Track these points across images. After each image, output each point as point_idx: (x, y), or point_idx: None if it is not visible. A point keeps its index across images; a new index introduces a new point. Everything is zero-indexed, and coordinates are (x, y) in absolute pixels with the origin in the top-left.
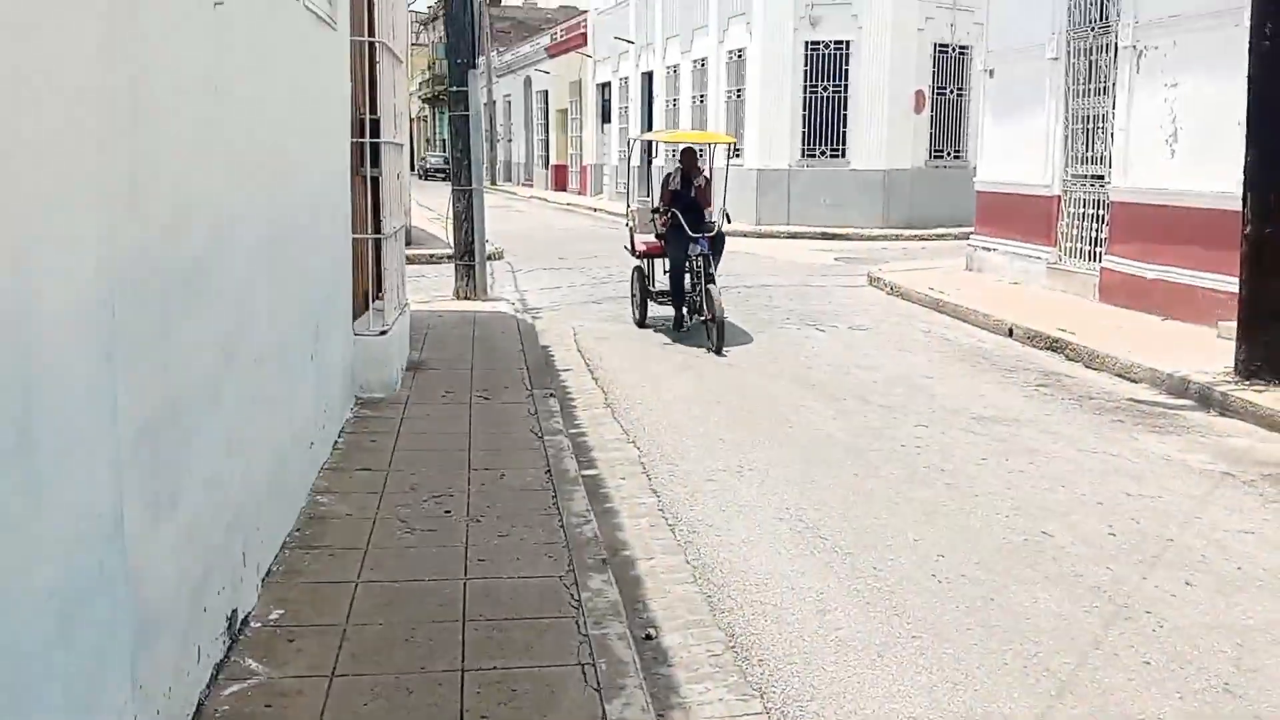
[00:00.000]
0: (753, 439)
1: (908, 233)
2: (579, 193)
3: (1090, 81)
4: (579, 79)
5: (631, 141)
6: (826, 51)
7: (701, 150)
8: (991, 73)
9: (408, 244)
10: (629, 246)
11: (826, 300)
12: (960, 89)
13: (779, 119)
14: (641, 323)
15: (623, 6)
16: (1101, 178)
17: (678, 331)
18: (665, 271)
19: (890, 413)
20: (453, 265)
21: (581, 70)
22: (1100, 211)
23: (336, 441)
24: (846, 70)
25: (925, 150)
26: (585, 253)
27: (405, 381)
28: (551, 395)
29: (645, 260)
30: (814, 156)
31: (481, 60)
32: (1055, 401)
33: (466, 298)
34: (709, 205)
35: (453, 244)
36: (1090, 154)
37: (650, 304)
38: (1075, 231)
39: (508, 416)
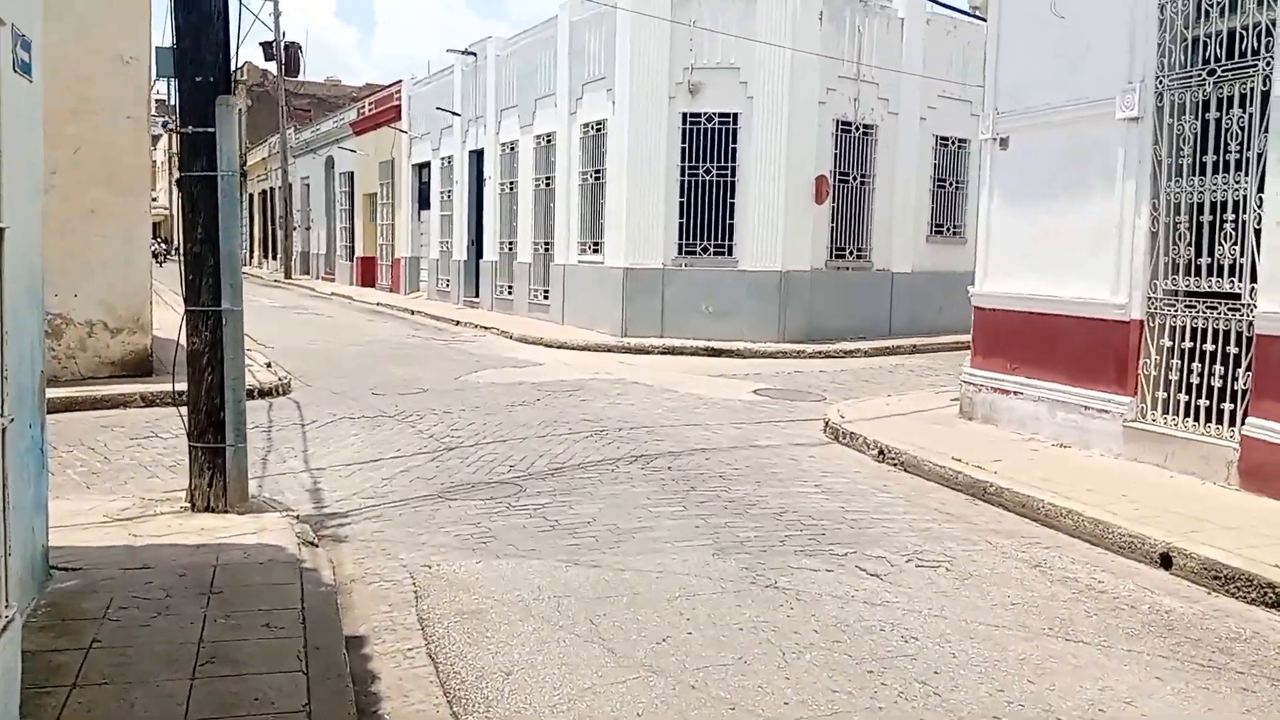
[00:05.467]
0: None
1: (810, 347)
2: (390, 289)
3: (1204, 153)
4: (391, 159)
5: None
6: (710, 126)
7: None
8: (1004, 142)
9: (148, 374)
10: None
11: (807, 481)
12: (864, 176)
13: (651, 207)
14: None
15: (445, 76)
16: (1236, 296)
17: None
18: None
19: None
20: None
21: (395, 149)
22: (1228, 347)
23: None
24: (734, 149)
25: (826, 248)
26: (410, 381)
27: None
28: None
29: None
30: (694, 254)
31: (275, 139)
32: None
33: (209, 508)
34: None
35: (185, 413)
36: (1210, 262)
37: None
38: (1174, 376)
39: None
